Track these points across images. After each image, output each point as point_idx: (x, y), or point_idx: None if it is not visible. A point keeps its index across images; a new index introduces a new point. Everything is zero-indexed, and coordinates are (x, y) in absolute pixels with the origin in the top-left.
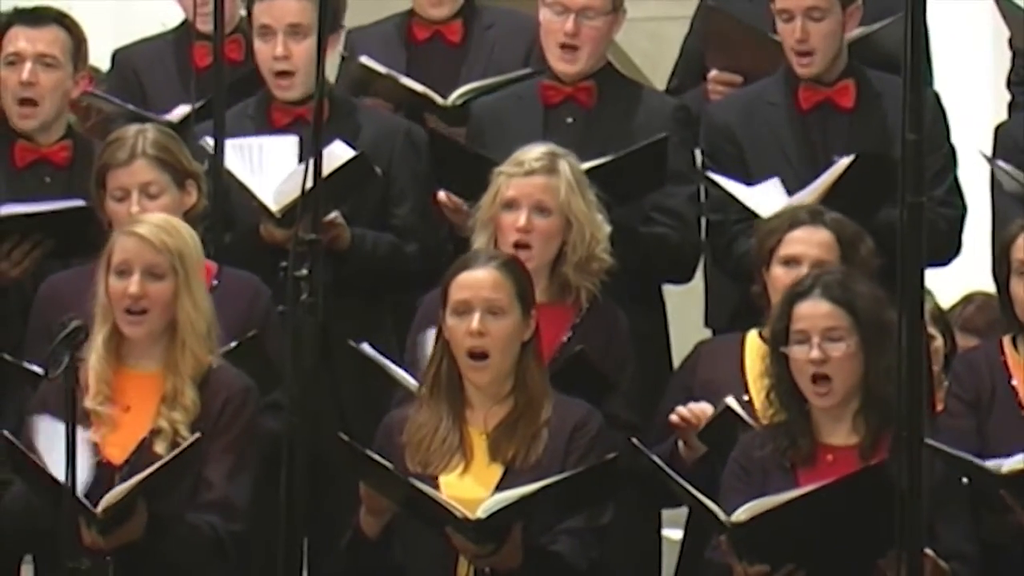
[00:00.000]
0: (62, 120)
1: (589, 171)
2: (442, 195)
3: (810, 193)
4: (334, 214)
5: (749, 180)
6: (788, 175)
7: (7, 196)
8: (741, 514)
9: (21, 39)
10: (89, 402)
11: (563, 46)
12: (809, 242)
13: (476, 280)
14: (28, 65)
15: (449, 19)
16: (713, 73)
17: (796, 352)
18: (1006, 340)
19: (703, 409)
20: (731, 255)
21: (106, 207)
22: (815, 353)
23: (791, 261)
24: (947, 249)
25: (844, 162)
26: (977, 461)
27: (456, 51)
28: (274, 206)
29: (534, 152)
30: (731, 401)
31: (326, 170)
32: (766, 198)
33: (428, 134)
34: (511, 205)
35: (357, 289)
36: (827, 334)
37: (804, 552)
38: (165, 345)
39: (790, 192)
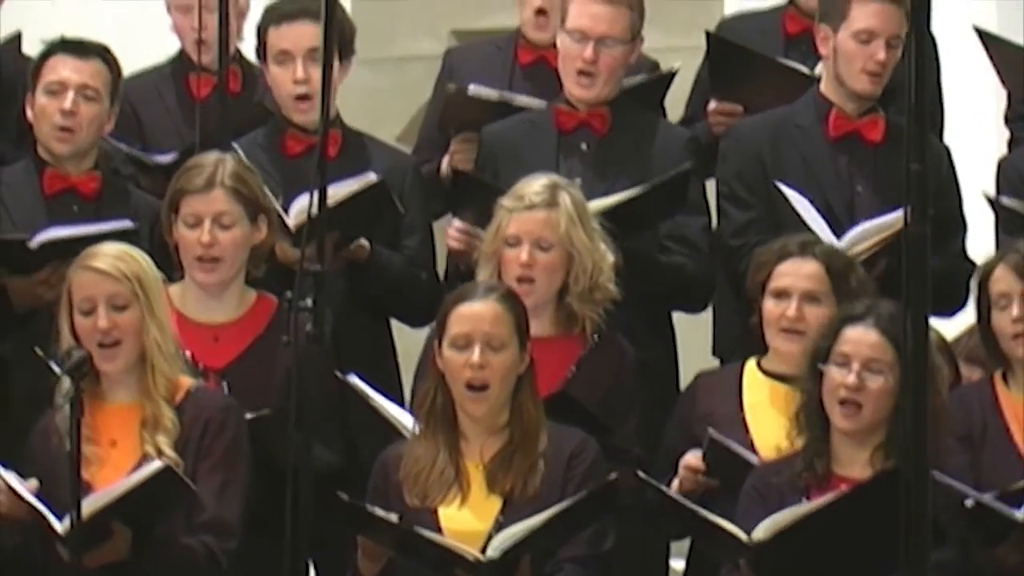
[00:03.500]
0: (93, 152)
1: (615, 206)
2: (456, 225)
3: (867, 234)
4: (362, 241)
5: (774, 203)
6: (818, 201)
7: (36, 223)
8: (759, 533)
9: (66, 68)
10: (70, 444)
11: (580, 72)
12: (797, 274)
13: (476, 313)
14: (71, 95)
15: (555, 45)
16: (712, 105)
17: (833, 373)
18: (996, 376)
19: (699, 458)
20: (740, 267)
21: (175, 233)
22: (851, 379)
23: (781, 294)
24: (959, 301)
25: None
26: (994, 504)
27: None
28: (291, 221)
29: (534, 185)
30: (713, 432)
31: (346, 192)
32: (822, 226)
33: (451, 172)
34: (513, 241)
35: (369, 306)
36: (869, 364)
37: (826, 565)
38: (138, 374)
39: (826, 213)
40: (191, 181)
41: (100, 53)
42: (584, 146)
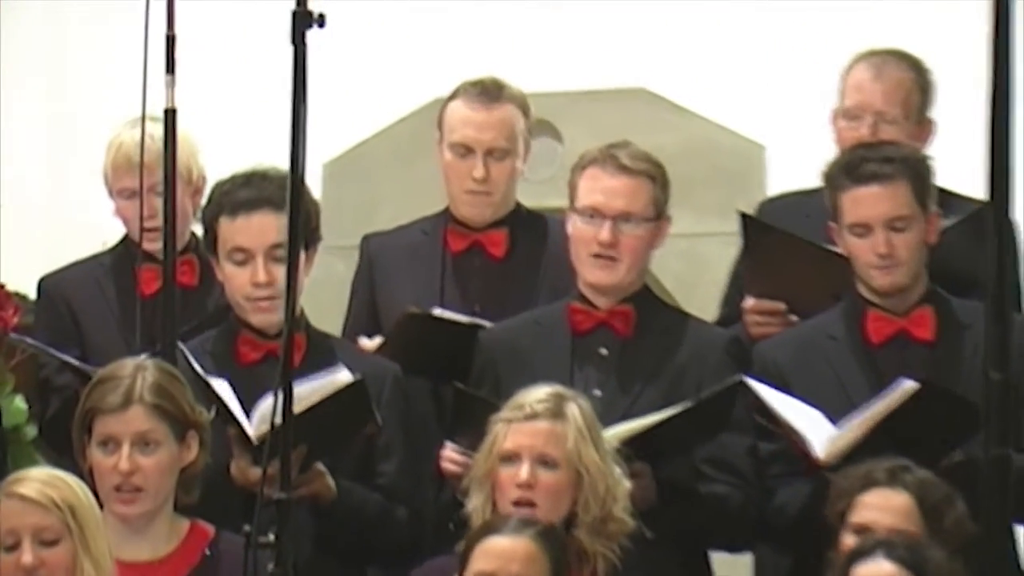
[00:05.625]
0: None
1: (649, 430)
2: (448, 451)
3: (859, 422)
4: (318, 465)
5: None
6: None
7: None
8: None
9: None
10: None
11: (597, 256)
12: (884, 508)
13: (505, 550)
14: None
15: (491, 227)
16: (750, 302)
17: None
18: None
19: None
20: (765, 510)
21: (89, 456)
22: None
23: (863, 530)
24: None
25: (908, 387)
26: None
27: (499, 267)
28: (253, 431)
29: (537, 394)
30: None
31: (318, 393)
32: (816, 429)
33: (452, 391)
34: (511, 457)
35: (337, 553)
36: None
37: None
38: None
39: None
40: (104, 398)
41: None
42: (604, 351)
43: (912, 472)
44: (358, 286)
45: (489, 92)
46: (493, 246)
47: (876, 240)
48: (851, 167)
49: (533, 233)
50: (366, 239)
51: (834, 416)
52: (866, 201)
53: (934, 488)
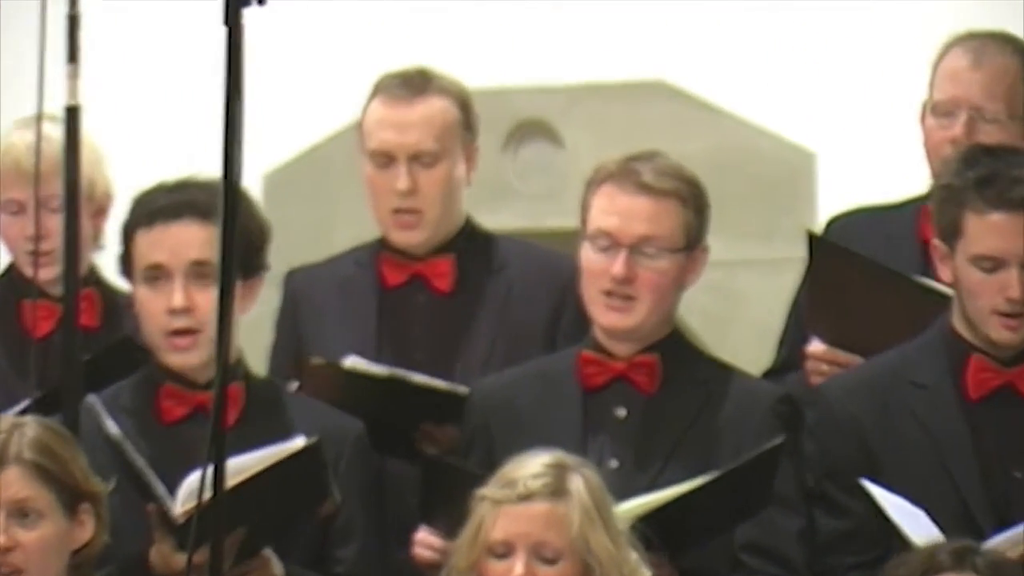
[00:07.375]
0: None
1: (665, 507)
2: (423, 534)
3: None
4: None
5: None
6: (948, 494)
7: None
8: None
9: None
10: None
11: (611, 294)
12: None
13: None
14: None
15: (434, 254)
16: (814, 346)
17: None
18: None
19: None
20: None
21: None
22: None
23: None
24: None
25: None
26: None
27: (445, 303)
28: (177, 508)
29: (532, 466)
30: None
31: (259, 463)
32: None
33: (421, 459)
34: (501, 550)
35: None
36: None
37: None
38: None
39: (963, 522)
40: None
41: None
42: (622, 411)
43: (981, 553)
44: (279, 332)
45: (412, 84)
46: (437, 278)
47: (1008, 280)
48: (990, 185)
49: (486, 259)
50: (290, 275)
51: (927, 487)
52: (1005, 232)
53: (1008, 570)
